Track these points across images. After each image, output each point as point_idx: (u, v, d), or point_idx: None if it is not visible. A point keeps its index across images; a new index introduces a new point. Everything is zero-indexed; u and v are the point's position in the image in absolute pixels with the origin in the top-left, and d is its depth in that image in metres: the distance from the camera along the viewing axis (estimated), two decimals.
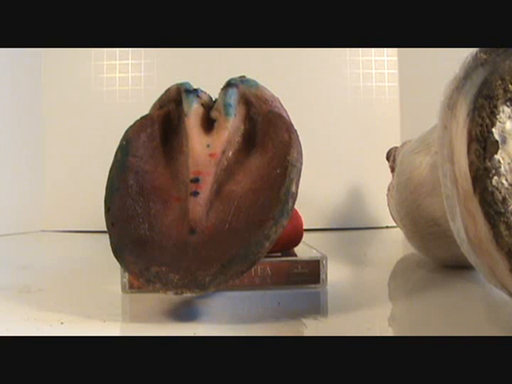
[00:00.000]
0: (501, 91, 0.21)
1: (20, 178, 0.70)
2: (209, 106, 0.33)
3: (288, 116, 0.32)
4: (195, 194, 0.29)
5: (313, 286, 0.32)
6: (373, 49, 0.73)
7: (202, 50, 0.68)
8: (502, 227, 0.20)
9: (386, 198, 0.49)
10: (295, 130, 0.30)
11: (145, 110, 0.34)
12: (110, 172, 0.31)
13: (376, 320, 0.28)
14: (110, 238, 0.28)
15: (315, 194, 0.70)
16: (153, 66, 0.72)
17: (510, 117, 0.21)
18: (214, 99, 0.33)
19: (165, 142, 0.32)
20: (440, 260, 0.38)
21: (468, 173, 0.20)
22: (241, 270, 0.25)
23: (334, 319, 0.27)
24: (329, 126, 0.73)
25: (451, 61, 0.25)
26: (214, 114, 0.32)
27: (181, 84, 0.33)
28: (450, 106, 0.23)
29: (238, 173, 0.30)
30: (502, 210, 0.20)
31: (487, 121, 0.21)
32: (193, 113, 0.32)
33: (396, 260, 0.47)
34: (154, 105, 0.34)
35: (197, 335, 0.23)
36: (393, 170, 0.44)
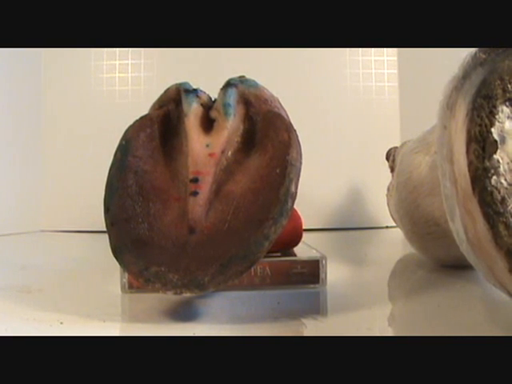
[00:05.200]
0: (500, 91, 0.21)
1: (19, 178, 0.69)
2: (208, 106, 0.33)
3: (287, 116, 0.32)
4: (195, 193, 0.29)
5: (312, 285, 0.32)
6: (372, 49, 0.73)
7: (202, 49, 0.68)
8: (501, 227, 0.20)
9: (385, 198, 0.49)
10: (294, 130, 0.30)
11: (144, 110, 0.34)
12: (109, 172, 0.31)
13: (376, 320, 0.28)
14: (110, 237, 0.28)
15: (315, 194, 0.69)
16: (152, 66, 0.72)
17: (508, 117, 0.21)
18: (213, 99, 0.33)
19: (164, 141, 0.32)
20: (439, 260, 0.38)
21: (467, 173, 0.20)
22: (240, 270, 0.25)
23: (334, 319, 0.27)
24: (328, 126, 0.73)
25: (451, 61, 0.25)
26: (213, 113, 0.32)
27: (180, 84, 0.33)
28: (449, 106, 0.23)
29: (238, 173, 0.30)
30: (501, 210, 0.20)
31: (486, 121, 0.21)
32: (192, 113, 0.32)
33: (396, 260, 0.47)
34: (154, 105, 0.34)
35: (196, 335, 0.23)
36: (392, 170, 0.44)
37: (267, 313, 0.28)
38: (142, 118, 0.33)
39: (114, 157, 0.31)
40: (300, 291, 0.32)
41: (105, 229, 0.29)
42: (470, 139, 0.21)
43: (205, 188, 0.29)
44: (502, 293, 0.22)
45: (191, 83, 0.34)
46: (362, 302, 0.30)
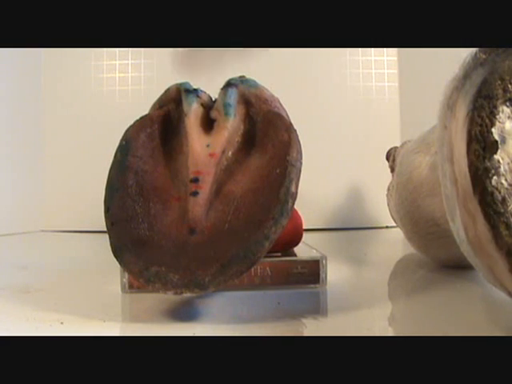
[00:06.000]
0: (500, 91, 0.21)
1: (20, 178, 0.70)
2: (208, 106, 0.33)
3: (287, 116, 0.32)
4: (195, 193, 0.29)
5: (312, 285, 0.32)
6: (373, 49, 0.73)
7: (202, 49, 0.68)
8: (502, 227, 0.20)
9: (385, 198, 0.49)
10: (295, 130, 0.30)
11: (145, 110, 0.34)
12: (109, 172, 0.31)
13: (376, 320, 0.28)
14: (110, 237, 0.28)
15: (315, 194, 0.69)
16: (152, 66, 0.72)
17: (509, 117, 0.21)
18: (213, 99, 0.33)
19: (164, 141, 0.32)
20: (440, 260, 0.38)
21: (467, 173, 0.20)
22: (240, 270, 0.25)
23: (334, 319, 0.27)
24: (329, 126, 0.73)
25: (451, 61, 0.25)
26: (213, 113, 0.32)
27: (181, 84, 0.33)
28: (449, 106, 0.23)
29: (238, 173, 0.30)
30: (502, 210, 0.20)
31: (487, 121, 0.21)
32: (192, 113, 0.32)
33: (396, 260, 0.47)
34: (154, 105, 0.34)
35: (196, 335, 0.23)
36: (392, 170, 0.44)
37: (267, 313, 0.28)
38: (142, 118, 0.33)
39: (114, 157, 0.31)
40: (300, 291, 0.32)
41: (105, 229, 0.29)
42: (471, 139, 0.21)
43: (205, 188, 0.29)
44: (502, 293, 0.22)
45: (191, 83, 0.34)
46: (362, 302, 0.30)
